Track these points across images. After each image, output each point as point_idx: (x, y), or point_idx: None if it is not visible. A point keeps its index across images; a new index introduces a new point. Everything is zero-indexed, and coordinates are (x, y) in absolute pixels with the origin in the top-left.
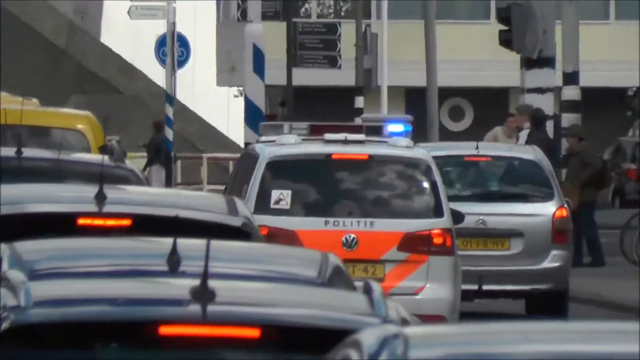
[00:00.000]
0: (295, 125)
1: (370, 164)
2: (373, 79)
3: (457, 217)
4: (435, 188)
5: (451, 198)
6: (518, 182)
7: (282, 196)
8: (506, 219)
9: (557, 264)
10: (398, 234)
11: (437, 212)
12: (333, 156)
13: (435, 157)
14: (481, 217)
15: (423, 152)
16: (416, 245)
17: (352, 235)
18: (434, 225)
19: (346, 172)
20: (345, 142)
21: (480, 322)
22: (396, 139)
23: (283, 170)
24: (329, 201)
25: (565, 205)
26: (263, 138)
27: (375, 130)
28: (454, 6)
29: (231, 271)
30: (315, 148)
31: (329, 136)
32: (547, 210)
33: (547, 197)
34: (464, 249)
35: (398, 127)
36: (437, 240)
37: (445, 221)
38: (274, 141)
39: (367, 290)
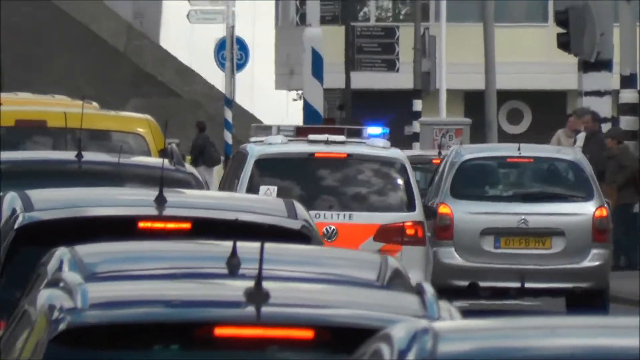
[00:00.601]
0: (283, 127)
1: (349, 162)
2: (431, 82)
3: (430, 212)
4: (408, 185)
5: (494, 198)
6: (559, 182)
7: (269, 191)
8: (547, 219)
9: (597, 263)
10: (374, 226)
11: (410, 206)
12: (316, 155)
13: (478, 159)
14: (523, 217)
15: (398, 152)
16: (390, 236)
17: (332, 227)
18: (406, 218)
19: (327, 170)
20: (327, 142)
21: (510, 317)
22: (374, 139)
23: (270, 167)
24: (311, 196)
25: (605, 205)
26: (253, 138)
27: (355, 132)
28: (512, 9)
29: (288, 273)
30: (299, 147)
31: (312, 137)
32: (587, 209)
33: (587, 197)
34: (506, 247)
35: (376, 130)
36: (410, 232)
37: (417, 214)
38: (262, 141)
39: (420, 292)
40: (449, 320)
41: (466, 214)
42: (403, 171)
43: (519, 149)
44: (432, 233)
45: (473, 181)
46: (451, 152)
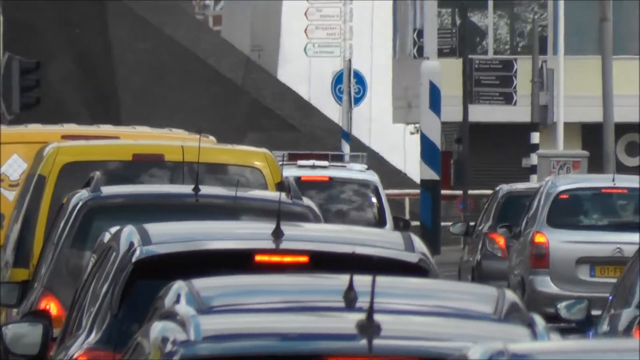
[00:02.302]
0: (275, 153)
1: (332, 184)
2: (549, 115)
3: (405, 224)
4: (380, 203)
5: (589, 227)
6: None
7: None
8: None
9: None
10: None
11: (382, 221)
12: (302, 178)
13: (573, 189)
14: (618, 246)
15: (373, 175)
16: None
17: None
18: None
19: (313, 191)
20: (313, 167)
21: (580, 339)
22: (353, 164)
23: None
24: None
25: None
26: None
27: (339, 157)
28: (630, 42)
29: (402, 306)
30: (288, 172)
31: (301, 162)
32: None
33: None
34: (601, 276)
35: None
36: None
37: (387, 228)
38: None
39: (531, 324)
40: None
41: (562, 242)
42: (376, 191)
43: (613, 180)
44: (528, 262)
45: (568, 211)
46: (547, 182)
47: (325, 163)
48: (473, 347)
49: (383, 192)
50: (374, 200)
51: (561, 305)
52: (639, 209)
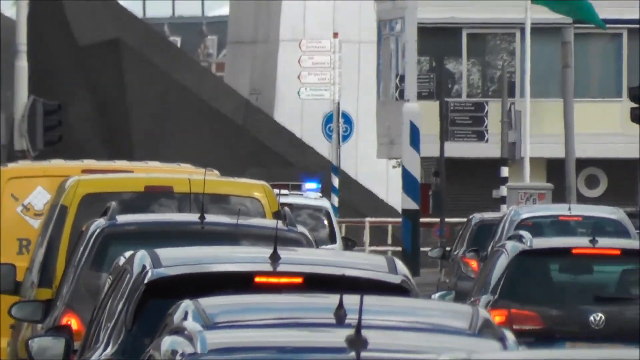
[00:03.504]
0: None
1: (291, 209)
2: (517, 151)
3: (352, 243)
4: (331, 224)
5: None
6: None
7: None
8: None
9: None
10: None
11: (333, 240)
12: None
13: (534, 217)
14: None
15: (325, 201)
16: None
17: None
18: (330, 248)
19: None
20: (278, 195)
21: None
22: (309, 192)
23: None
24: None
25: None
26: None
27: (297, 187)
28: (590, 85)
29: (386, 323)
30: None
31: None
32: None
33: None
34: None
35: (312, 185)
36: None
37: (337, 246)
38: None
39: (502, 338)
40: None
41: None
42: (328, 215)
43: (569, 209)
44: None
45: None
46: (510, 210)
47: (286, 191)
48: (441, 357)
49: (334, 216)
50: (326, 222)
51: (435, 297)
52: (590, 233)
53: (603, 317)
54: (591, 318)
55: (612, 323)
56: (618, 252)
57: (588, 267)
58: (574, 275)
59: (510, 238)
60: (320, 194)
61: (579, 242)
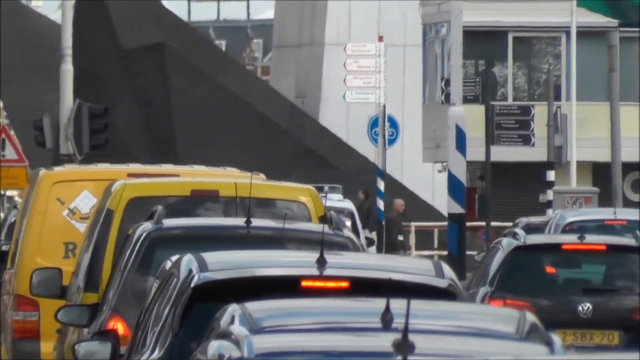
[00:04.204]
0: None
1: None
2: (563, 155)
3: (370, 241)
4: (355, 225)
5: None
6: None
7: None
8: None
9: None
10: None
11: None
12: None
13: (579, 221)
14: None
15: (348, 203)
16: None
17: None
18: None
19: None
20: None
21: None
22: (332, 195)
23: None
24: None
25: None
26: None
27: (319, 189)
28: (635, 89)
29: (434, 327)
30: None
31: None
32: None
33: None
34: None
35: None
36: None
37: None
38: None
39: (549, 342)
40: None
41: None
42: (351, 216)
43: (614, 213)
44: None
45: None
46: (556, 215)
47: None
48: None
49: (357, 216)
50: (348, 223)
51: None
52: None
53: (590, 307)
54: (579, 308)
55: (598, 312)
56: (604, 247)
57: (577, 262)
58: (564, 268)
59: (505, 235)
60: (342, 196)
61: (568, 239)
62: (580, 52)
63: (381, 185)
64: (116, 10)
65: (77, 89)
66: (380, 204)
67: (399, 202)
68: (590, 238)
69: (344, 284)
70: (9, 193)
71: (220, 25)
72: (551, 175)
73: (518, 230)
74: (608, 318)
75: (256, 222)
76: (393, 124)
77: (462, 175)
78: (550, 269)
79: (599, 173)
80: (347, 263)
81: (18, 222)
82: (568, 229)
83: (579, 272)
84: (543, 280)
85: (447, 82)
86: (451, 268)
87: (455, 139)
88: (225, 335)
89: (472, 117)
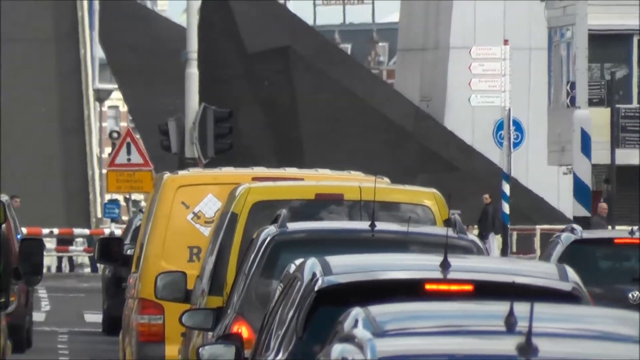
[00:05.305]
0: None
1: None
2: None
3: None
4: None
5: None
6: None
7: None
8: None
9: None
10: None
11: None
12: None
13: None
14: None
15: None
16: None
17: None
18: None
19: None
20: None
21: None
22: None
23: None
24: None
25: None
26: None
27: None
28: None
29: (558, 331)
30: None
31: None
32: None
33: None
34: None
35: None
36: None
37: None
38: None
39: None
40: None
41: None
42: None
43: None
44: None
45: None
46: None
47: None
48: None
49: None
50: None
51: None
52: None
53: (639, 294)
54: (630, 295)
55: None
56: None
57: (627, 254)
58: (616, 260)
59: (564, 230)
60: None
61: (620, 234)
62: None
63: (506, 188)
64: (241, 14)
65: (202, 92)
66: (506, 208)
67: (603, 206)
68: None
69: (468, 287)
70: (134, 197)
71: (345, 28)
72: None
73: (575, 226)
74: None
75: (380, 225)
76: (518, 127)
77: (587, 179)
78: (603, 260)
79: None
80: (471, 266)
81: (143, 225)
82: None
83: (629, 263)
84: (597, 270)
85: (572, 86)
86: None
87: (581, 142)
88: (349, 338)
89: (597, 121)
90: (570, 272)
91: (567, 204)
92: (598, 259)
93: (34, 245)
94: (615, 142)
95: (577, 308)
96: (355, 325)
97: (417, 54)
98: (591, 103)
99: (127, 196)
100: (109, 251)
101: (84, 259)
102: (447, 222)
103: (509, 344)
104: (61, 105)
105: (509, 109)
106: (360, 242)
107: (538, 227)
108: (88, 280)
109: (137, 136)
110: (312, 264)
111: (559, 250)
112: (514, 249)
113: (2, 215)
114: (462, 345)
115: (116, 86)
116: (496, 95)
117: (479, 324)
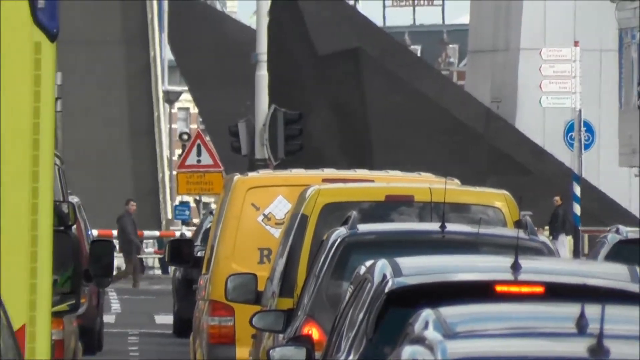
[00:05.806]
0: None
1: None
2: None
3: None
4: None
5: None
6: None
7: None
8: None
9: None
10: None
11: None
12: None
13: None
14: None
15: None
16: None
17: None
18: None
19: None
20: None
21: None
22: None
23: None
24: None
25: None
26: None
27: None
28: None
29: (629, 333)
30: None
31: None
32: None
33: None
34: None
35: None
36: None
37: None
38: None
39: None
40: None
41: None
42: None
43: None
44: None
45: None
46: None
47: None
48: None
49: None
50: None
51: None
52: None
53: None
54: None
55: None
56: None
57: None
58: None
59: (609, 231)
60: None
61: None
62: None
63: (577, 190)
64: (311, 16)
65: (272, 94)
66: (577, 209)
67: None
68: None
69: (539, 289)
70: (205, 199)
71: (415, 30)
72: None
73: (621, 227)
74: None
75: (451, 227)
76: (589, 128)
77: None
78: None
79: None
80: (541, 268)
81: (213, 227)
82: None
83: None
84: None
85: None
86: None
87: None
88: (419, 340)
89: None
90: None
91: (638, 206)
92: None
93: (104, 247)
94: None
95: None
96: (426, 326)
97: (487, 56)
98: None
99: (197, 198)
100: (180, 253)
101: (155, 261)
102: (518, 224)
103: (580, 346)
104: (131, 108)
105: (580, 110)
106: (431, 244)
107: (609, 228)
108: (159, 282)
109: (207, 138)
110: (382, 266)
111: (605, 250)
112: (586, 251)
113: (73, 216)
114: (532, 348)
115: (186, 88)
116: (567, 97)
117: (550, 326)
